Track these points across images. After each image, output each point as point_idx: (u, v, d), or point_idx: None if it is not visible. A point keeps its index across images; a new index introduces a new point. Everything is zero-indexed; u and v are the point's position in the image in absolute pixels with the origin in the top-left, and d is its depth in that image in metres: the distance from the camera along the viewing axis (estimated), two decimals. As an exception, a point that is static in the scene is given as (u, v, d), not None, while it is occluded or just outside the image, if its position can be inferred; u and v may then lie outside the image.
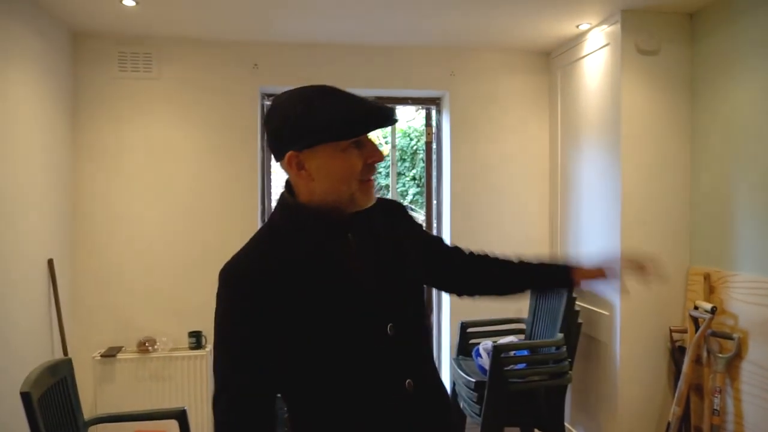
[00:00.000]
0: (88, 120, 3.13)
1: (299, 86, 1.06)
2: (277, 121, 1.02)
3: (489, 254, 1.33)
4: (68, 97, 3.06)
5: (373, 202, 1.07)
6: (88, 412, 2.85)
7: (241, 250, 1.08)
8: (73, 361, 2.10)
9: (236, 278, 1.02)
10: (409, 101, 3.62)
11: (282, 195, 1.10)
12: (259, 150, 3.36)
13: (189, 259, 3.22)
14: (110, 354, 3.01)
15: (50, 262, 2.81)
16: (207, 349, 3.13)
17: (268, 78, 3.30)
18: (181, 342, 3.16)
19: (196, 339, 3.14)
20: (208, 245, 3.23)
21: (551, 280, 1.35)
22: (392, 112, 1.04)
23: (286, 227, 1.06)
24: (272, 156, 1.08)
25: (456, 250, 1.32)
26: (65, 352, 2.87)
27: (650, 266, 1.30)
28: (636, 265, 1.30)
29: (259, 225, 3.33)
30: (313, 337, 1.00)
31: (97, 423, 2.16)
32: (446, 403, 1.18)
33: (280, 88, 3.83)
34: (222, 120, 3.26)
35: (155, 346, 3.09)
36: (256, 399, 0.99)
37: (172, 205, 3.21)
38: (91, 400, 2.99)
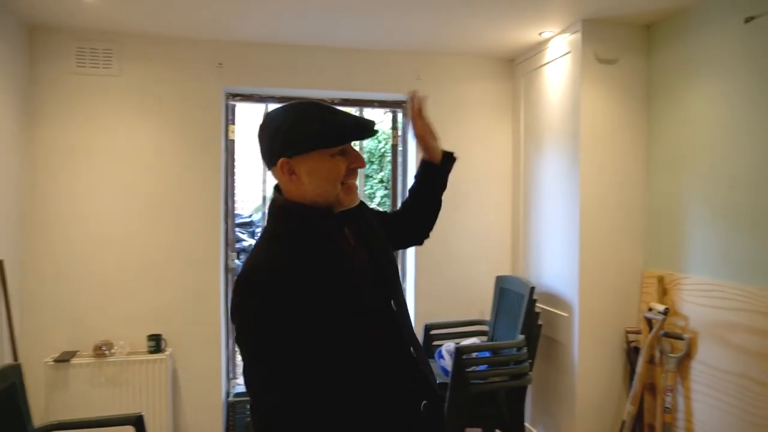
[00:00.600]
0: (45, 117, 3.02)
1: (294, 101, 1.20)
2: (269, 131, 1.16)
3: (404, 201, 1.59)
4: (23, 93, 2.94)
5: (356, 202, 1.22)
6: (39, 419, 2.75)
7: (252, 259, 1.16)
8: (24, 367, 2.02)
9: (261, 286, 1.09)
10: (376, 104, 3.63)
11: (275, 200, 1.21)
12: (223, 150, 3.31)
13: (149, 260, 3.14)
14: (64, 359, 2.91)
15: (0, 263, 2.69)
16: (167, 353, 3.06)
17: (233, 77, 3.25)
18: (140, 346, 3.08)
19: (156, 342, 3.06)
20: (169, 246, 3.16)
21: (431, 173, 1.56)
22: (374, 124, 1.21)
23: (289, 228, 1.17)
24: (264, 164, 1.20)
25: (395, 212, 1.58)
26: (15, 357, 2.76)
27: (413, 98, 1.56)
28: (411, 105, 1.56)
29: (222, 226, 3.29)
30: (335, 321, 1.12)
31: (48, 431, 2.08)
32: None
33: (245, 88, 3.78)
34: (185, 119, 3.20)
35: (112, 350, 3.00)
36: (306, 393, 1.09)
37: (131, 205, 3.13)
38: (43, 406, 2.88)
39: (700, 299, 2.52)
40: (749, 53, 2.29)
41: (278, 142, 1.14)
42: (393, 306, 1.23)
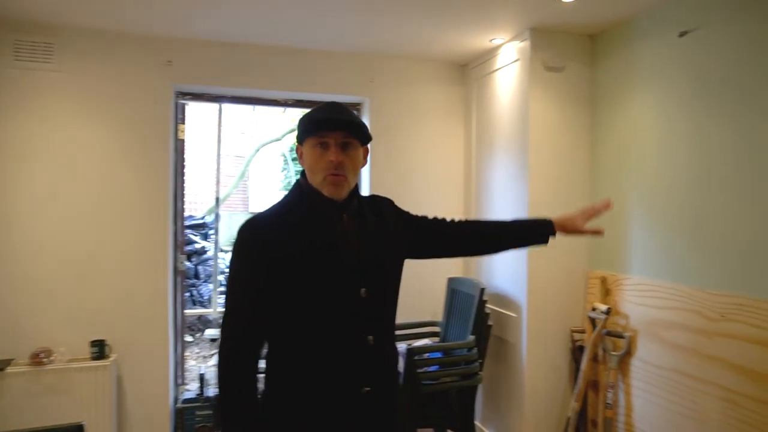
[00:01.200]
0: (-23, 111, 2.86)
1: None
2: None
3: (474, 220, 1.72)
4: (-47, 86, 2.78)
5: (338, 196, 1.35)
6: (-30, 431, 2.60)
7: (258, 213, 1.38)
8: (-47, 376, 1.91)
9: (252, 229, 1.32)
10: (329, 106, 3.62)
11: (298, 179, 1.43)
12: (172, 150, 3.23)
13: (92, 263, 3.02)
14: (-2, 367, 2.76)
15: (-73, 267, 2.53)
16: (111, 359, 2.95)
17: (183, 76, 3.17)
18: (82, 352, 2.95)
19: (99, 348, 2.94)
20: (113, 248, 3.05)
21: (533, 235, 1.67)
22: (342, 121, 1.33)
23: (295, 201, 1.39)
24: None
25: (442, 220, 1.63)
26: (-57, 367, 2.60)
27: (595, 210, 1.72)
28: (588, 215, 1.70)
29: (170, 227, 3.20)
30: (301, 288, 1.28)
31: (-20, 443, 1.98)
32: (396, 357, 1.51)
33: (196, 87, 3.68)
34: (131, 117, 3.09)
35: (51, 358, 2.86)
36: (257, 323, 1.29)
37: (72, 205, 3.00)
38: (-26, 418, 2.73)
39: (639, 299, 2.64)
40: (684, 64, 2.42)
41: (296, 131, 1.42)
42: (362, 294, 1.32)
